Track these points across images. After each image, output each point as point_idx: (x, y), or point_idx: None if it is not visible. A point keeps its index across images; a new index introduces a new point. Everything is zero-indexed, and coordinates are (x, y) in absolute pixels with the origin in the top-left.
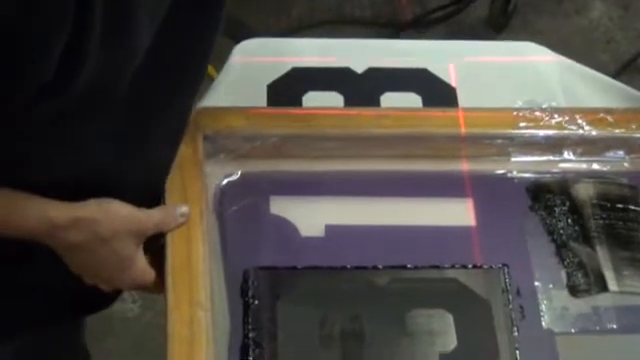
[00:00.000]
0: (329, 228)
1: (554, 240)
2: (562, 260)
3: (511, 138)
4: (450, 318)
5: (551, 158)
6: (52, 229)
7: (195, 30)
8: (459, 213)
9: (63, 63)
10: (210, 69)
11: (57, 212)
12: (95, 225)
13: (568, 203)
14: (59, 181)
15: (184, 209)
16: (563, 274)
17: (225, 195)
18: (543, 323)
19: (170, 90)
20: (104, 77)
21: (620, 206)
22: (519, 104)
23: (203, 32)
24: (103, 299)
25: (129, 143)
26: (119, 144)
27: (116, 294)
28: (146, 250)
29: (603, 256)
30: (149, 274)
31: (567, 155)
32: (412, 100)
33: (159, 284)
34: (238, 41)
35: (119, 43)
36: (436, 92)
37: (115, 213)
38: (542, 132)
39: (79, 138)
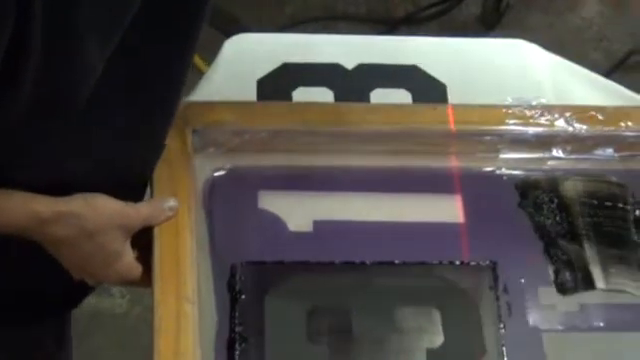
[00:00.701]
0: (317, 223)
1: (542, 237)
2: (550, 257)
3: (500, 135)
4: (437, 314)
5: (540, 155)
6: (38, 223)
7: (162, 59)
8: (447, 210)
9: (8, 63)
10: (200, 63)
11: (42, 206)
12: (81, 220)
13: (557, 200)
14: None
15: (172, 203)
16: (551, 271)
17: (214, 189)
18: (530, 320)
19: (139, 113)
20: (53, 89)
21: (609, 204)
22: (509, 101)
23: (172, 62)
24: (75, 296)
25: (94, 157)
26: (84, 159)
27: (88, 290)
28: (134, 245)
29: (591, 254)
30: (136, 269)
31: (556, 152)
32: (402, 96)
33: (146, 278)
34: (229, 36)
35: (63, 58)
36: (426, 89)
37: (102, 207)
38: (531, 129)
39: (41, 150)
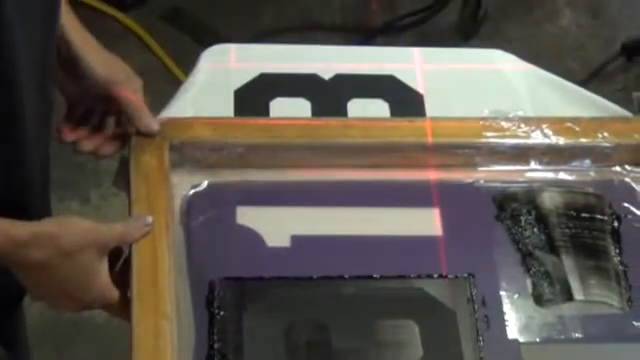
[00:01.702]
0: (295, 238)
1: (520, 249)
2: (528, 269)
3: (478, 147)
4: (416, 328)
5: (517, 167)
6: (14, 247)
7: None
8: (425, 222)
9: None
10: (178, 73)
11: (17, 230)
12: (56, 239)
13: (534, 212)
14: None
15: (148, 219)
16: (529, 283)
17: (191, 205)
18: (508, 332)
19: None
20: None
21: (586, 215)
22: (486, 112)
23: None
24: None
25: None
26: None
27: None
28: (110, 268)
29: (569, 265)
30: (114, 290)
31: (533, 164)
32: (379, 107)
33: (124, 306)
34: (206, 46)
35: None
36: (403, 99)
37: (75, 227)
38: (508, 141)
39: None
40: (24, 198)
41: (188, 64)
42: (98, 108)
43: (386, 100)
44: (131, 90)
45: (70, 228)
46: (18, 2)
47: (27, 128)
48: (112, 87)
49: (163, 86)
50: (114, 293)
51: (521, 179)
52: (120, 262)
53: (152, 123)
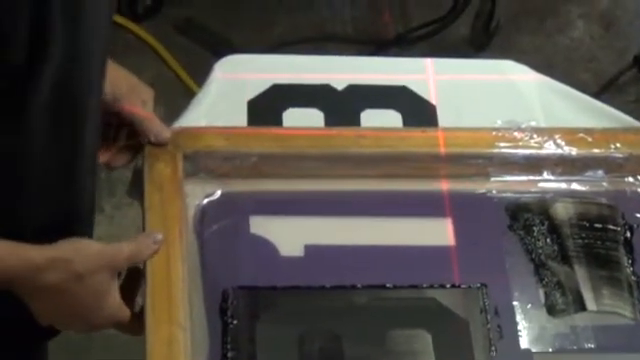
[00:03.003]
0: (309, 248)
1: (532, 260)
2: (540, 280)
3: (490, 158)
4: (429, 338)
5: (530, 178)
6: (32, 270)
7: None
8: (438, 233)
9: (31, 44)
10: (191, 84)
11: (35, 253)
12: (70, 264)
13: (547, 223)
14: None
15: (158, 237)
16: (541, 293)
17: (205, 215)
18: (521, 343)
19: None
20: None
21: (599, 226)
22: (499, 123)
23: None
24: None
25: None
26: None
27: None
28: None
29: (581, 276)
30: (125, 310)
31: (546, 175)
32: (392, 117)
33: (134, 323)
34: (219, 57)
35: (80, 27)
36: (416, 110)
37: (86, 250)
38: (521, 152)
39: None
40: (74, 225)
41: (201, 75)
42: (113, 121)
43: (399, 111)
44: (139, 102)
45: (82, 251)
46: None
47: (87, 149)
48: (117, 103)
49: (176, 97)
50: (125, 312)
51: (534, 189)
52: (122, 277)
53: (162, 132)
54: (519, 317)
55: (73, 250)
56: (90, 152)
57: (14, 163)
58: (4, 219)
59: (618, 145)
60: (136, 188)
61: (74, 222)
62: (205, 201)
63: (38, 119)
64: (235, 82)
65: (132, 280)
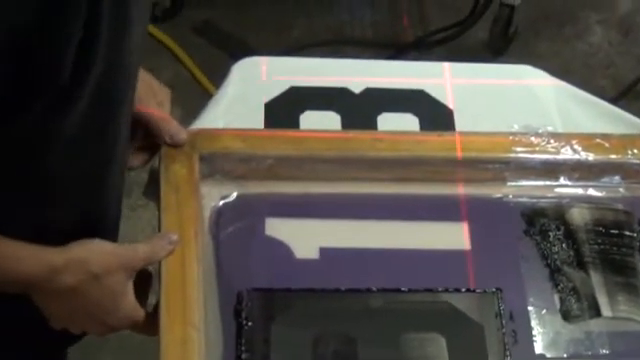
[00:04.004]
0: (324, 250)
1: (548, 265)
2: (556, 285)
3: (507, 162)
4: (443, 342)
5: (547, 183)
6: (51, 272)
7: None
8: (454, 237)
9: (76, 63)
10: (209, 86)
11: (52, 255)
12: (87, 264)
13: (563, 228)
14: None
15: (173, 237)
16: (556, 299)
17: (221, 216)
18: (536, 348)
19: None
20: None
21: (615, 232)
22: (516, 128)
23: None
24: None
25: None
26: None
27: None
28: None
29: (597, 281)
30: (140, 310)
31: (563, 180)
32: (409, 121)
33: (148, 323)
34: (237, 59)
35: (121, 47)
36: (433, 114)
37: (101, 250)
38: (538, 157)
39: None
40: (101, 230)
41: (219, 77)
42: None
43: (416, 114)
44: (155, 103)
45: (97, 252)
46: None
47: (119, 155)
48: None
49: (193, 98)
50: (140, 312)
51: (550, 194)
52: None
53: (178, 133)
54: (534, 322)
55: (87, 250)
56: (122, 158)
57: (45, 168)
58: (33, 223)
59: (635, 151)
60: (152, 189)
61: (101, 228)
62: (221, 203)
63: (75, 126)
64: (253, 84)
65: (143, 281)
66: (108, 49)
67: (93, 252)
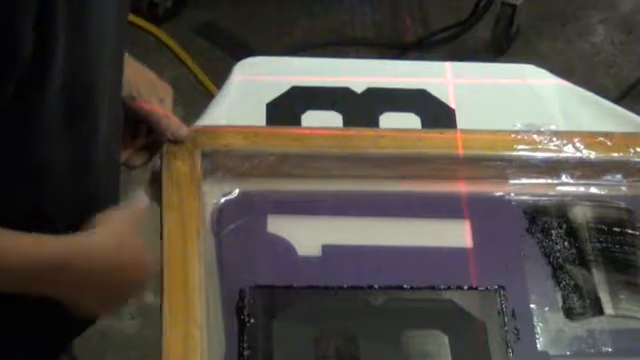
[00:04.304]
0: (326, 248)
1: (550, 263)
2: (558, 283)
3: (509, 160)
4: (445, 339)
5: (549, 181)
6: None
7: None
8: (456, 234)
9: (37, 32)
10: (211, 86)
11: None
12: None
13: (565, 226)
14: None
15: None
16: (559, 297)
17: (223, 213)
18: (538, 345)
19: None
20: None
21: (617, 230)
22: (518, 127)
23: None
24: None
25: None
26: None
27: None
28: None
29: (599, 279)
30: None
31: (565, 178)
32: (411, 121)
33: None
34: (239, 59)
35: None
36: (435, 113)
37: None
38: (540, 155)
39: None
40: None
41: (221, 77)
42: (130, 118)
43: (418, 114)
44: (156, 99)
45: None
46: None
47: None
48: (135, 100)
49: (195, 99)
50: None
51: (552, 193)
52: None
53: (179, 129)
54: (536, 320)
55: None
56: (107, 138)
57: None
58: (25, 208)
59: (637, 149)
60: (154, 189)
61: (96, 209)
62: (223, 200)
63: (51, 109)
64: (254, 84)
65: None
66: (68, 18)
67: (104, 223)
